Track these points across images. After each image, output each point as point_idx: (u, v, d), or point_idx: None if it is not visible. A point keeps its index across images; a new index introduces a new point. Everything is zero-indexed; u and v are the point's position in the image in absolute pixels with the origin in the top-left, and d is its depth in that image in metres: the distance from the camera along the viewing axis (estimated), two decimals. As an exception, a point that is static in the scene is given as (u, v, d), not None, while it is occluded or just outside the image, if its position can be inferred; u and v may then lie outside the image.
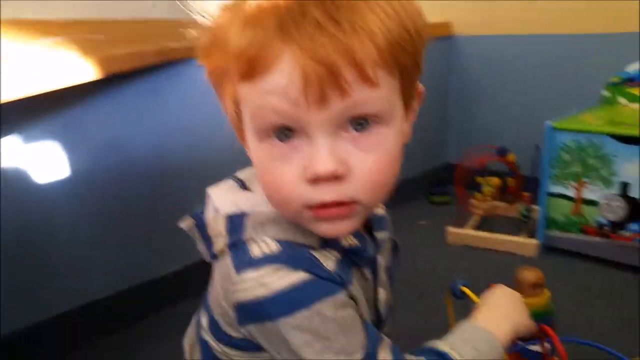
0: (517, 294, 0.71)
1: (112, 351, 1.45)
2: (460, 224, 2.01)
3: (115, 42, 1.21)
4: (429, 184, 2.46)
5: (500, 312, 0.67)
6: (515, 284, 1.16)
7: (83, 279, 1.49)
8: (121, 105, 1.48)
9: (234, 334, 0.58)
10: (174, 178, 1.61)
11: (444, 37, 2.41)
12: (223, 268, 0.54)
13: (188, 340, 0.72)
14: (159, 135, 1.57)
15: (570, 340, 1.28)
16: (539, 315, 1.13)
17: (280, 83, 0.44)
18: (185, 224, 0.61)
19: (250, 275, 0.51)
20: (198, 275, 0.83)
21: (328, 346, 0.50)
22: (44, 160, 1.37)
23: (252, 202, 0.56)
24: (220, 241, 0.55)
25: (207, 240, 0.57)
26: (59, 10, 1.08)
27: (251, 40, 0.44)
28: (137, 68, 1.34)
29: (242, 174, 0.64)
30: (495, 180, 2.20)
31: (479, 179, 2.22)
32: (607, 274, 1.69)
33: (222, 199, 0.58)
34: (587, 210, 1.75)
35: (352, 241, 0.59)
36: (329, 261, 0.54)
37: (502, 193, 2.23)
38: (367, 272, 0.63)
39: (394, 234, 0.75)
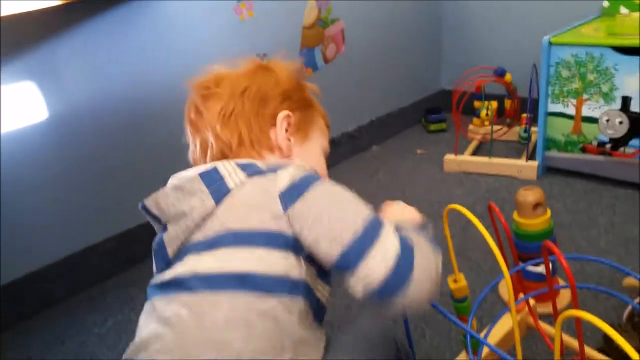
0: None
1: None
2: (458, 151, 1.96)
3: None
4: (424, 112, 2.39)
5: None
6: (515, 206, 1.12)
7: (59, 228, 1.46)
8: (94, 36, 1.41)
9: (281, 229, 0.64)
10: (151, 117, 1.55)
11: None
12: (259, 184, 0.66)
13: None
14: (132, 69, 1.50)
15: (574, 257, 1.25)
16: (540, 235, 1.10)
17: None
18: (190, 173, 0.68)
19: (287, 170, 0.67)
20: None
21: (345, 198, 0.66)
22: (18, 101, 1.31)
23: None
24: (239, 175, 0.66)
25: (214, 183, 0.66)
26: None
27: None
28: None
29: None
30: (493, 104, 2.14)
31: (477, 103, 2.15)
32: (609, 192, 1.66)
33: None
34: (587, 128, 1.69)
35: None
36: None
37: (500, 116, 2.17)
38: None
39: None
